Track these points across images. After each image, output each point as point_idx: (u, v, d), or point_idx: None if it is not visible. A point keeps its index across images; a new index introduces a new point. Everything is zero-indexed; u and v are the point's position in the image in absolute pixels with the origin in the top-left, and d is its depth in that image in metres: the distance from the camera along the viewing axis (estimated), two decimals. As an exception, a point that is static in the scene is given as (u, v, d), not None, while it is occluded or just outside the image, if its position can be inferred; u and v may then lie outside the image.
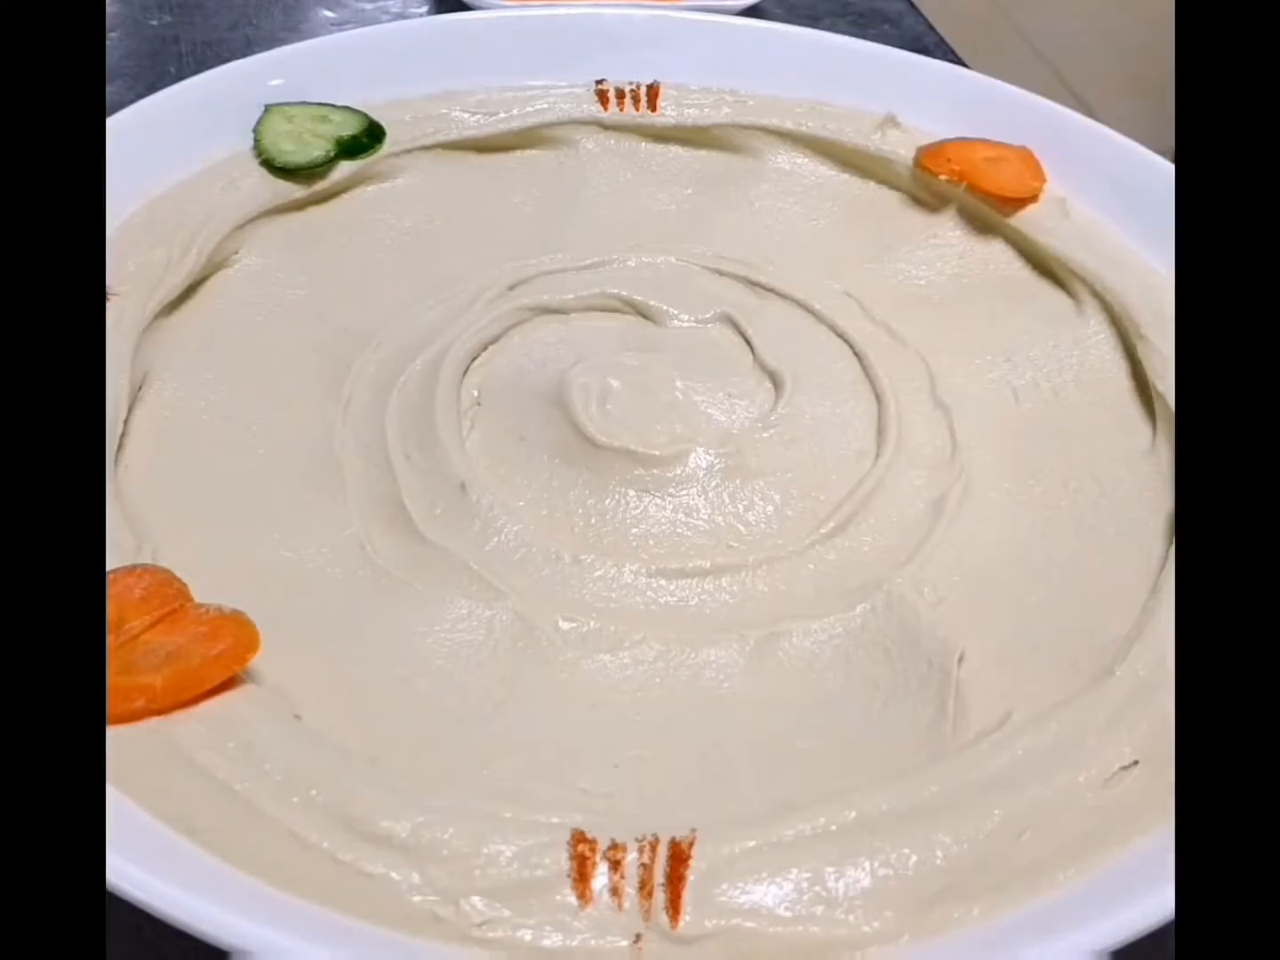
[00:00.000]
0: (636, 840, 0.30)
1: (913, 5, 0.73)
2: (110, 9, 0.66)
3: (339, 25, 0.68)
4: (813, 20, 0.72)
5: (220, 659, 0.32)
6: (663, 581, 0.39)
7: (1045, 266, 0.52)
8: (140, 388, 0.43)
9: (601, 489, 0.41)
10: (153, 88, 0.61)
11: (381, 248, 0.50)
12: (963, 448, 0.44)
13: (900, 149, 0.55)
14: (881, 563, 0.40)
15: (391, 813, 0.30)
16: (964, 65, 0.68)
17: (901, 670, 0.36)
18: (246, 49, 0.65)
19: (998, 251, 0.53)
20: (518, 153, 0.55)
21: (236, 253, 0.48)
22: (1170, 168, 0.52)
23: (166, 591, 0.34)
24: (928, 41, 0.71)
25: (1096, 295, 0.50)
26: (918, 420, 0.45)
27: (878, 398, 0.45)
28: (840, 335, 0.48)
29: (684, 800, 0.33)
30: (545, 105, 0.56)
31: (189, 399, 0.43)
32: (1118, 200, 0.52)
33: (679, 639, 0.37)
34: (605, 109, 0.56)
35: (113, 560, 0.35)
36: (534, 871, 0.29)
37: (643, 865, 0.29)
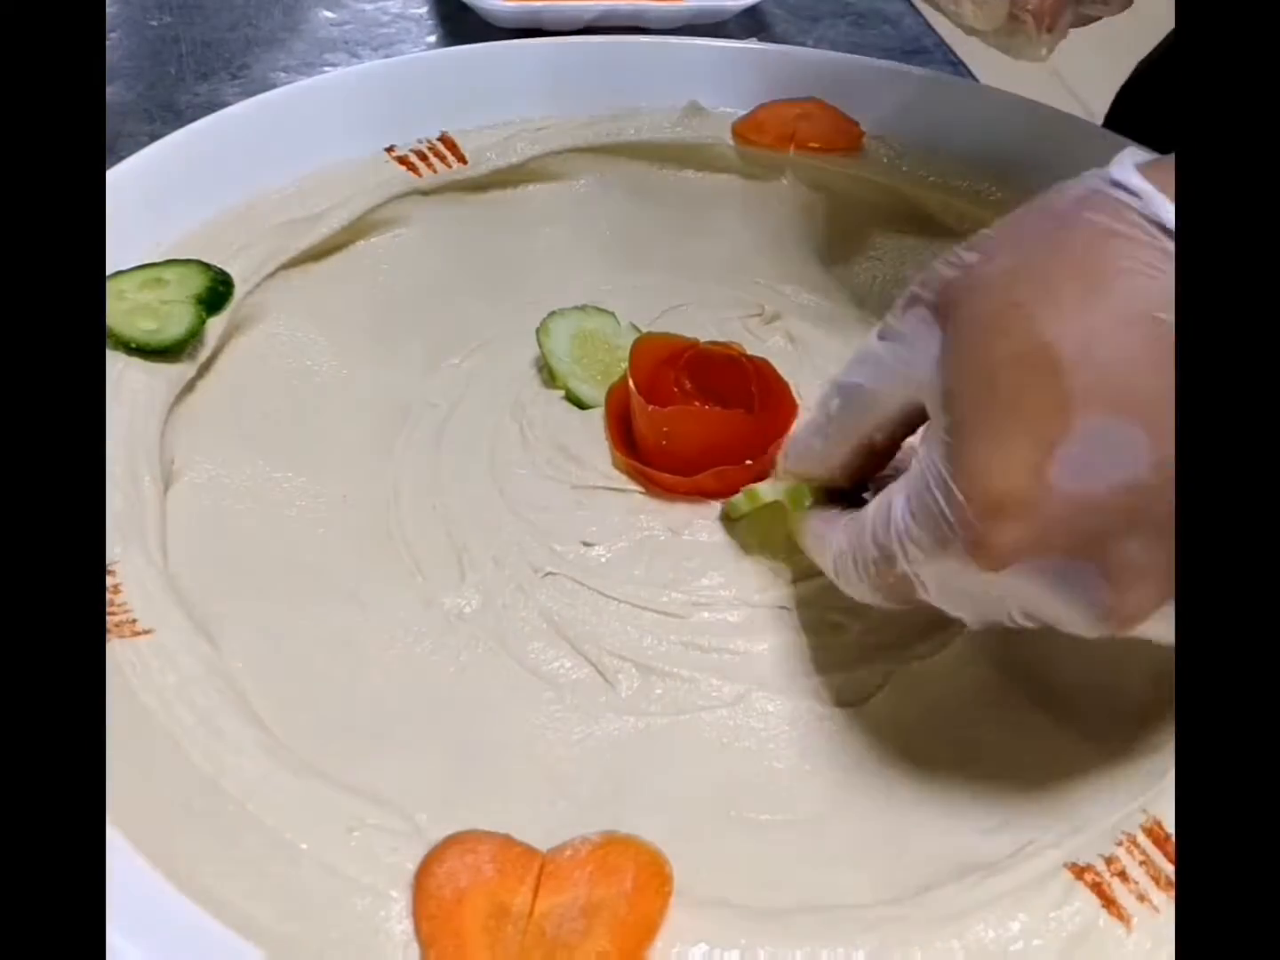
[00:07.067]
0: None
1: (912, 6, 0.73)
2: (110, 9, 0.66)
3: (339, 25, 0.68)
4: (813, 21, 0.72)
5: (643, 888, 0.28)
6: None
7: (919, 206, 0.52)
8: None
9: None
10: (152, 88, 0.61)
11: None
12: None
13: (714, 132, 0.53)
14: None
15: None
16: (964, 66, 0.68)
17: None
18: (246, 49, 0.65)
19: (850, 203, 0.53)
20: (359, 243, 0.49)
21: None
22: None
23: (509, 853, 0.29)
24: (927, 42, 0.71)
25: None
26: None
27: None
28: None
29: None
30: (349, 186, 0.49)
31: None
32: (929, 128, 0.54)
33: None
34: (417, 175, 0.50)
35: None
36: None
37: None
